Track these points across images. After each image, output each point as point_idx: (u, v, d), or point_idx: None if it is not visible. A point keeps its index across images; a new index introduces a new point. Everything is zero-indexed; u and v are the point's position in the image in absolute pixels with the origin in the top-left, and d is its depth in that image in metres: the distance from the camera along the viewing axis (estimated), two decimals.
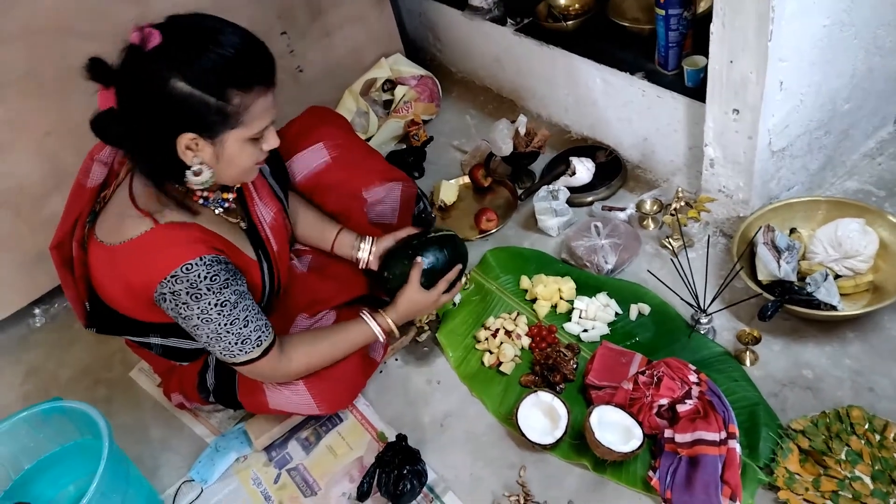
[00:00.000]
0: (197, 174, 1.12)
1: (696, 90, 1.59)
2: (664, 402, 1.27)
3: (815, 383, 1.31)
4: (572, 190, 1.83)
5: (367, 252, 1.50)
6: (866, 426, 1.21)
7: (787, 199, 1.54)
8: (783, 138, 1.44)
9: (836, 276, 1.44)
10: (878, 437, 1.19)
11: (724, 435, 1.19)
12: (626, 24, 1.79)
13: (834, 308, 1.35)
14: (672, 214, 1.57)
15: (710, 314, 1.41)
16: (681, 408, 1.25)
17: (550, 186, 1.80)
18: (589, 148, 1.95)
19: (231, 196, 1.27)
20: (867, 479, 1.15)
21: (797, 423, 1.24)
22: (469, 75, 2.43)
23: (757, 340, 1.35)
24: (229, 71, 1.05)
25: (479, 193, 1.99)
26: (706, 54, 1.53)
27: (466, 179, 2.02)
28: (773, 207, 1.53)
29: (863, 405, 1.25)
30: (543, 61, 1.99)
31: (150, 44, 1.03)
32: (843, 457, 1.18)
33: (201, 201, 1.22)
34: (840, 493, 1.14)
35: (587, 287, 1.59)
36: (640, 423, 1.27)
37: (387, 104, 2.29)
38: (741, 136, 1.42)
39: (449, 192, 1.97)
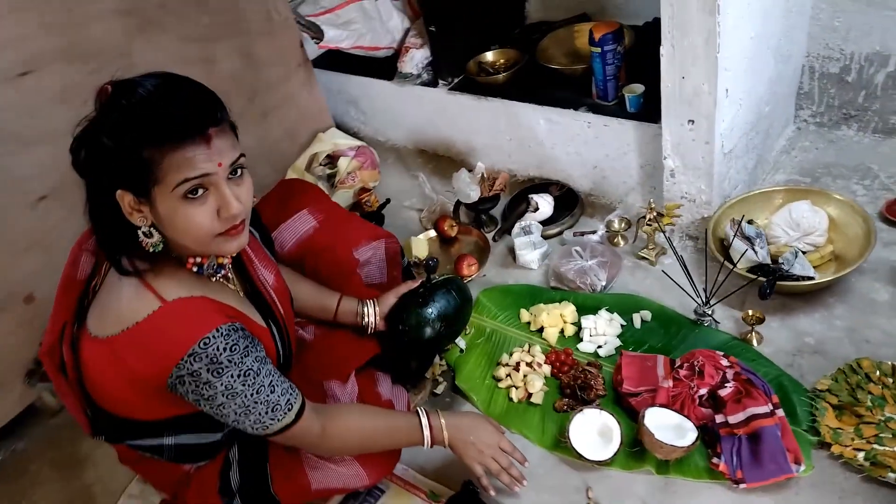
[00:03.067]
0: (148, 235, 1.05)
1: (639, 114, 1.76)
2: (704, 391, 1.33)
3: (819, 347, 1.44)
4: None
5: (373, 316, 1.47)
6: (878, 372, 1.34)
7: (740, 195, 1.72)
8: (731, 140, 1.62)
9: (803, 252, 1.60)
10: (891, 381, 1.32)
11: (771, 406, 1.26)
12: (558, 67, 1.95)
13: (812, 279, 1.51)
14: (649, 225, 1.69)
15: (713, 306, 1.51)
16: (723, 392, 1.32)
17: (522, 223, 1.88)
18: (540, 185, 2.06)
19: (227, 262, 1.20)
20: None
21: (821, 384, 1.35)
22: (400, 141, 2.50)
23: (761, 320, 1.46)
24: (138, 123, 0.98)
25: (447, 244, 2.03)
26: (639, 81, 1.71)
27: (432, 233, 2.05)
28: (730, 204, 1.69)
29: (867, 355, 1.38)
30: (481, 114, 2.10)
31: (100, 101, 1.00)
32: (869, 403, 1.29)
33: (195, 269, 1.13)
34: (881, 435, 1.24)
35: (586, 307, 1.65)
36: (688, 418, 1.32)
37: (329, 177, 2.29)
38: (699, 144, 1.58)
39: (420, 247, 1.98)
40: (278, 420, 1.11)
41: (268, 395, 1.09)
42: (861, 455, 1.22)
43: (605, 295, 1.68)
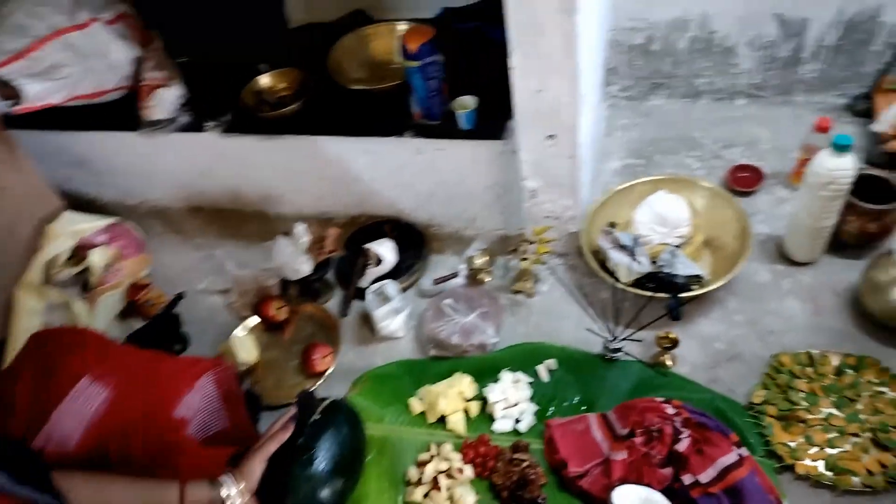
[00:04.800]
0: None
1: (476, 130, 1.50)
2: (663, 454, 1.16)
3: (731, 351, 1.36)
4: (383, 277, 1.59)
5: (239, 498, 1.04)
6: (798, 366, 1.29)
7: (598, 200, 1.57)
8: (586, 146, 1.44)
9: (677, 247, 1.51)
10: (812, 370, 1.28)
11: (737, 453, 1.13)
12: (364, 88, 1.60)
13: (699, 279, 1.41)
14: (525, 258, 1.46)
15: (623, 339, 1.35)
16: (680, 446, 1.16)
17: (368, 284, 1.53)
18: (370, 228, 1.72)
19: None
20: (835, 411, 1.22)
21: (756, 396, 1.26)
22: (163, 201, 1.95)
23: (675, 343, 1.33)
24: None
25: (276, 331, 1.60)
26: (456, 88, 1.45)
27: (254, 321, 1.60)
28: (594, 211, 1.53)
29: (778, 349, 1.33)
30: (274, 155, 1.68)
31: None
32: (805, 403, 1.23)
33: None
34: (830, 437, 1.19)
35: (483, 372, 1.39)
36: (650, 486, 1.14)
37: (83, 284, 1.68)
38: (561, 159, 1.37)
39: (247, 348, 1.54)
40: None
41: None
42: (822, 465, 1.16)
43: (499, 352, 1.43)
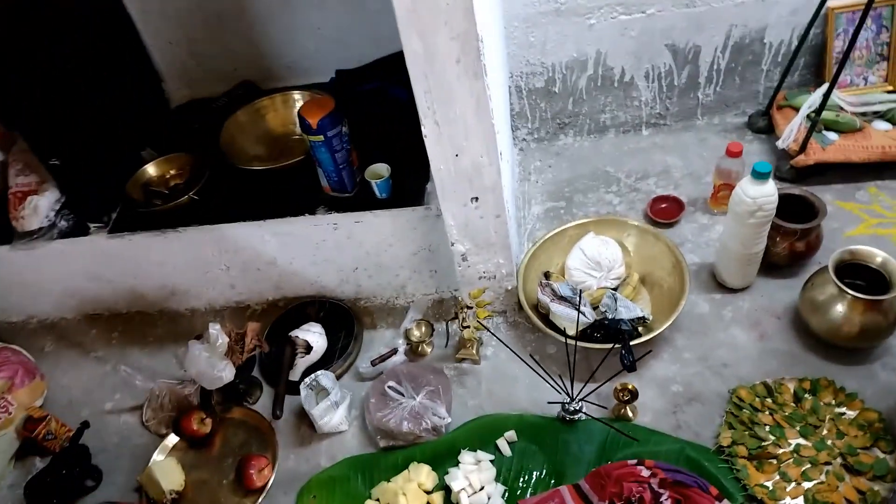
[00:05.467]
0: None
1: (393, 198, 1.42)
2: None
3: (689, 391, 1.32)
4: (315, 366, 1.46)
5: None
6: (757, 398, 1.26)
7: (528, 249, 1.51)
8: (510, 202, 1.39)
9: (614, 290, 1.47)
10: (771, 401, 1.26)
11: (722, 503, 1.08)
12: (264, 167, 1.48)
13: (644, 320, 1.38)
14: (466, 327, 1.38)
15: (581, 400, 1.28)
16: None
17: (298, 377, 1.40)
18: (292, 313, 1.59)
19: None
20: (803, 441, 1.20)
21: (723, 439, 1.22)
22: (51, 314, 1.73)
23: (635, 395, 1.28)
24: None
25: (202, 447, 1.42)
26: (365, 155, 1.38)
27: (173, 441, 1.42)
28: (527, 263, 1.48)
29: (734, 382, 1.30)
30: (173, 249, 1.52)
31: None
32: (772, 437, 1.21)
33: None
34: (804, 469, 1.16)
35: (441, 459, 1.28)
36: None
37: None
38: (488, 220, 1.30)
39: (171, 473, 1.35)
40: None
41: None
42: (802, 503, 1.13)
43: (454, 432, 1.33)
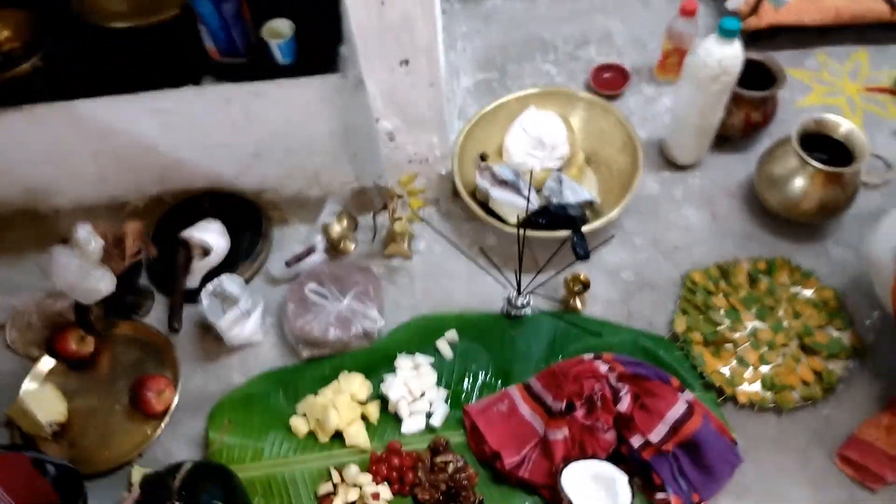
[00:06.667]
0: None
1: (299, 63, 1.16)
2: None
3: (641, 278, 1.22)
4: (217, 270, 1.24)
5: None
6: (711, 282, 1.18)
7: (462, 128, 1.32)
8: (445, 69, 1.17)
9: (559, 171, 1.32)
10: (725, 283, 1.18)
11: (685, 400, 1.00)
12: (128, 25, 1.16)
13: (592, 204, 1.25)
14: (397, 219, 1.19)
15: (529, 293, 1.15)
16: (622, 406, 1.00)
17: (209, 287, 1.18)
18: (184, 209, 1.33)
19: None
20: (759, 324, 1.13)
21: (678, 325, 1.14)
22: None
23: (586, 286, 1.16)
24: None
25: (86, 369, 1.20)
26: (275, 16, 1.12)
27: (50, 364, 1.19)
28: (462, 143, 1.29)
29: (687, 267, 1.21)
30: (19, 133, 1.21)
31: None
32: (727, 322, 1.14)
33: None
34: (761, 353, 1.11)
35: (376, 366, 1.13)
36: (596, 456, 0.99)
37: None
38: (421, 89, 1.09)
39: (48, 402, 1.13)
40: None
41: None
42: (759, 388, 1.07)
43: (388, 337, 1.18)
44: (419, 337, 1.16)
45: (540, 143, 1.31)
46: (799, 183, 1.17)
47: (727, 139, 1.33)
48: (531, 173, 1.22)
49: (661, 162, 1.35)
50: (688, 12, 1.33)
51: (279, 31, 1.14)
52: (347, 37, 1.09)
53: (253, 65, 1.16)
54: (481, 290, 1.21)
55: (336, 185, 1.34)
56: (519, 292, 1.14)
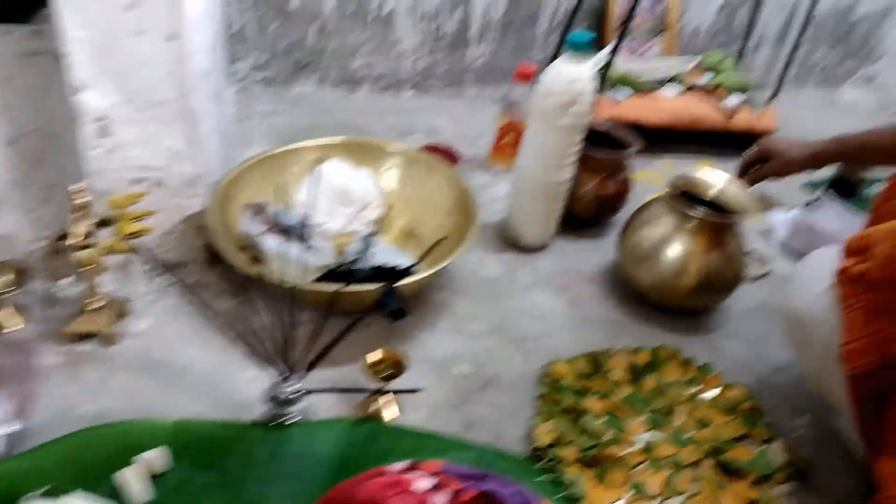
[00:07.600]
0: None
1: None
2: None
3: (482, 373, 0.82)
4: None
5: None
6: (580, 380, 0.81)
7: (233, 170, 0.93)
8: (208, 61, 0.82)
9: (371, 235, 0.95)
10: (601, 380, 0.81)
11: None
12: None
13: (409, 269, 0.87)
14: (87, 246, 0.71)
15: (303, 377, 0.69)
16: None
17: None
18: None
19: None
20: (655, 435, 0.75)
21: (540, 436, 0.73)
22: None
23: (399, 364, 0.74)
24: None
25: None
26: None
27: None
28: (226, 187, 0.89)
29: (544, 359, 0.84)
30: None
31: None
32: (613, 432, 0.74)
33: None
34: (668, 475, 0.71)
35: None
36: None
37: None
38: (157, 45, 0.71)
39: None
40: None
41: None
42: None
43: (26, 455, 0.63)
44: (93, 458, 0.63)
45: (346, 197, 0.95)
46: (676, 250, 0.89)
47: (578, 220, 1.06)
48: (330, 232, 0.84)
49: (501, 244, 1.04)
50: (524, 76, 1.13)
51: None
52: None
53: None
54: (235, 391, 0.73)
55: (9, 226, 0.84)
56: (288, 376, 0.68)
